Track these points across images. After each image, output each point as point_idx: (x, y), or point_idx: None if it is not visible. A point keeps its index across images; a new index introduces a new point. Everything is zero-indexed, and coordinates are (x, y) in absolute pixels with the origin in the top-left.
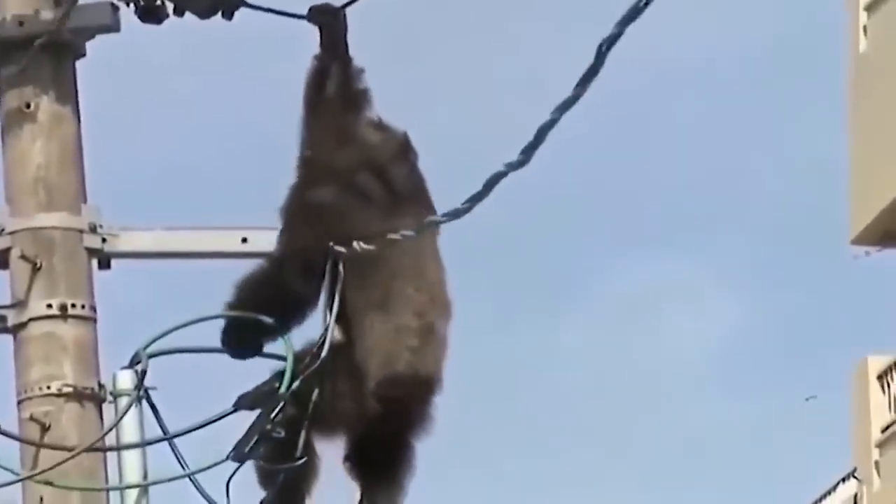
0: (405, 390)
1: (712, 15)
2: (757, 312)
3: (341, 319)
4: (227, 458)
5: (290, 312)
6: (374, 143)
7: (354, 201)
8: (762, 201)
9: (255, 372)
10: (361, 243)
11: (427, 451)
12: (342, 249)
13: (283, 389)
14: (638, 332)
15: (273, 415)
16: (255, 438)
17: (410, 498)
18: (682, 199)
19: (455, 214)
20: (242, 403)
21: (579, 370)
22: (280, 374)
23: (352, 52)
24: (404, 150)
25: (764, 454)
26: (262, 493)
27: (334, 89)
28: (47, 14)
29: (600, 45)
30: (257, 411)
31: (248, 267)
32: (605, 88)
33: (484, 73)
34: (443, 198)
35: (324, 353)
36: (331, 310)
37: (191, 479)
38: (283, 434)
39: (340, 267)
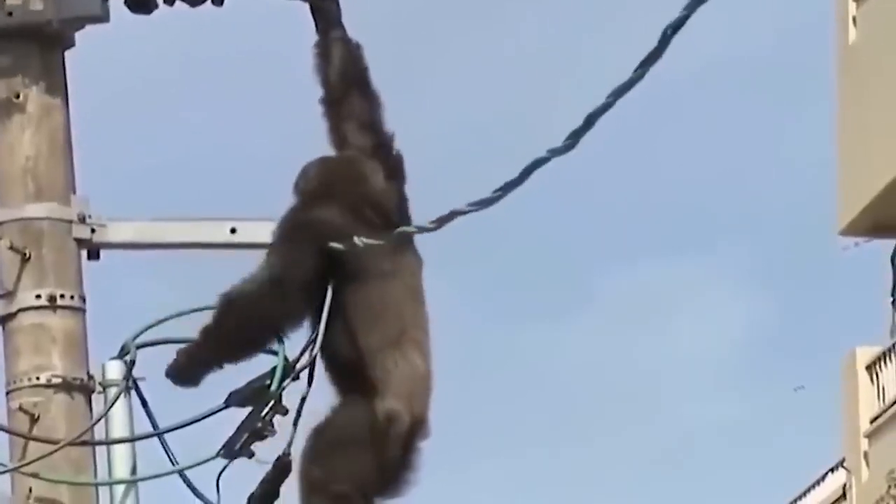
0: (420, 435)
1: (712, 13)
2: (760, 311)
3: (345, 365)
4: (218, 455)
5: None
6: (375, 184)
7: (355, 224)
8: (765, 201)
9: (245, 366)
10: (363, 238)
11: (431, 447)
12: (339, 245)
13: (274, 387)
14: (643, 333)
15: (264, 413)
16: (245, 436)
17: (419, 492)
18: (686, 201)
19: (486, 203)
20: (233, 400)
21: (584, 370)
22: (272, 372)
23: (351, 31)
24: (400, 193)
25: (759, 447)
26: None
27: (336, 74)
28: (37, 4)
29: (665, 30)
30: (248, 408)
31: (237, 266)
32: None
33: (487, 59)
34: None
35: (315, 351)
36: (321, 310)
37: (181, 476)
38: (274, 433)
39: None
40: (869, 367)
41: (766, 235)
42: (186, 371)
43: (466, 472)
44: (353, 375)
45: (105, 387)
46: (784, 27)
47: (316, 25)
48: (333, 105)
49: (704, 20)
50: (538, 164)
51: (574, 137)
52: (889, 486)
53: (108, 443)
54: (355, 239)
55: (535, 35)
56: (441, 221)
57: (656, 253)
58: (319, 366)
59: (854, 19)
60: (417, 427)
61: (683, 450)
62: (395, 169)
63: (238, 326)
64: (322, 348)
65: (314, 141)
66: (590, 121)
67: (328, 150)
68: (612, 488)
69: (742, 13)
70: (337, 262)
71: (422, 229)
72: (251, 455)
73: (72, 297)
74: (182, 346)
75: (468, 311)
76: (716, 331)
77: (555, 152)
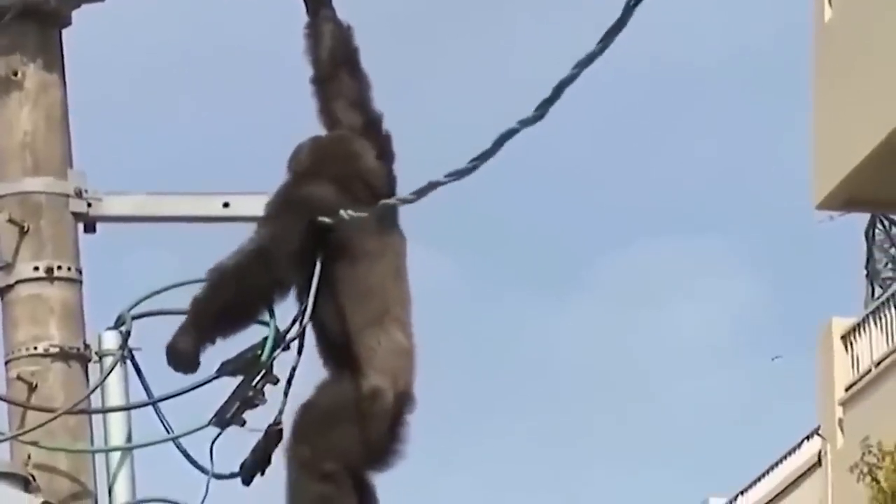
0: (406, 410)
1: (722, 11)
2: (755, 289)
3: (332, 342)
4: (210, 423)
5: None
6: (366, 163)
7: (346, 202)
8: (758, 186)
9: (237, 337)
10: (349, 211)
11: (425, 431)
12: (328, 220)
13: (264, 357)
14: (639, 314)
15: (255, 382)
16: (237, 405)
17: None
18: (686, 185)
19: (461, 174)
20: (225, 370)
21: (580, 352)
22: (263, 343)
23: (342, 14)
24: (390, 172)
25: (749, 417)
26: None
27: (326, 54)
28: None
29: (629, 1)
30: (240, 378)
31: (230, 230)
32: (613, 78)
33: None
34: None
35: (305, 322)
36: (310, 283)
37: (175, 443)
38: (265, 401)
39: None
40: (844, 337)
41: (759, 217)
42: (186, 357)
43: (457, 456)
44: (339, 351)
45: (101, 356)
46: (785, 22)
47: (307, 6)
48: (324, 84)
49: (707, 17)
50: (509, 134)
51: (543, 108)
52: (863, 454)
53: (105, 411)
54: (341, 212)
55: (531, 35)
56: (420, 193)
57: (651, 236)
58: (309, 336)
59: None
60: (403, 401)
61: (676, 429)
62: (384, 148)
63: (228, 298)
64: (311, 322)
65: (307, 119)
66: (558, 91)
67: (319, 129)
68: (603, 472)
69: (743, 9)
70: (326, 239)
71: (403, 200)
72: (243, 423)
73: (69, 269)
74: (177, 323)
75: (469, 294)
76: (712, 310)
77: (524, 123)
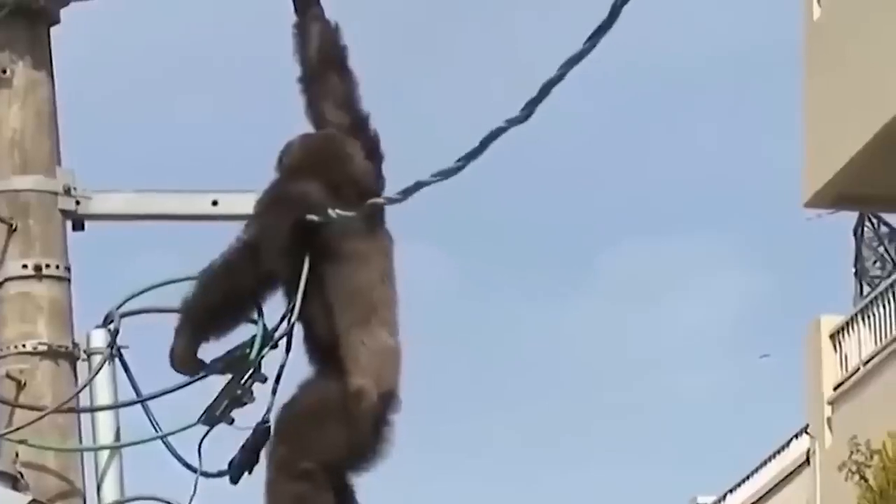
0: (392, 409)
1: (717, 9)
2: (753, 286)
3: (318, 341)
4: (199, 421)
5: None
6: (358, 165)
7: (336, 201)
8: (755, 183)
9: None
10: (338, 210)
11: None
12: (316, 217)
13: (253, 356)
14: (635, 310)
15: (243, 380)
16: (225, 403)
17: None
18: (682, 182)
19: (448, 173)
20: (213, 368)
21: (576, 349)
22: (251, 341)
23: (331, 14)
24: (378, 173)
25: (731, 416)
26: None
27: (314, 53)
28: None
29: (616, 1)
30: (228, 376)
31: (219, 229)
32: (608, 76)
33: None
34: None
35: (293, 321)
36: (299, 281)
37: (163, 442)
38: (253, 399)
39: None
40: (833, 336)
41: (755, 215)
42: (184, 358)
43: (453, 454)
44: (325, 351)
45: (90, 354)
46: (782, 21)
47: (295, 5)
48: (311, 83)
49: (704, 16)
50: (496, 134)
51: (529, 107)
52: (851, 452)
53: (93, 409)
54: (329, 211)
55: (534, 34)
56: (407, 192)
57: (648, 234)
58: (297, 335)
59: None
60: (387, 401)
61: (665, 427)
62: (372, 148)
63: (218, 295)
64: (299, 321)
65: (295, 118)
66: (544, 90)
67: (307, 128)
68: (591, 471)
69: (737, 7)
70: (315, 238)
71: (390, 200)
72: (231, 421)
73: (57, 267)
74: (166, 321)
75: (466, 291)
76: (705, 308)
77: (512, 122)
